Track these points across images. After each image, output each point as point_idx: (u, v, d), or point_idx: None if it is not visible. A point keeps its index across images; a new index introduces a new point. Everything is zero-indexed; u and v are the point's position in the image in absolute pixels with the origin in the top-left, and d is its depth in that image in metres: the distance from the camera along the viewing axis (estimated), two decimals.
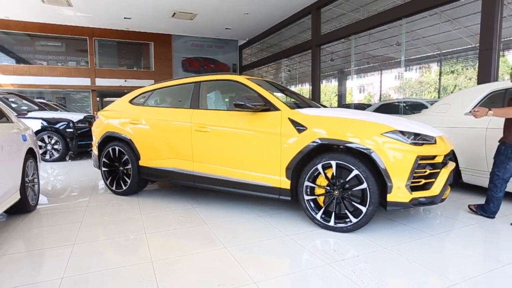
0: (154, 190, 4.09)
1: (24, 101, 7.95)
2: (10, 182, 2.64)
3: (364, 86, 25.46)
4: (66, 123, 6.64)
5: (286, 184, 2.73)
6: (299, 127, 2.65)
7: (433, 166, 2.51)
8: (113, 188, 3.79)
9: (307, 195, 2.65)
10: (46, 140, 6.60)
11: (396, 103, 8.23)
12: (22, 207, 3.02)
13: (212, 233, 2.58)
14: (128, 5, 10.86)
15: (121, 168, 3.74)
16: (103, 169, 3.82)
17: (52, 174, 5.37)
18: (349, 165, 2.45)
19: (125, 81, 15.80)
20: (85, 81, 15.49)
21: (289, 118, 2.72)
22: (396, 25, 13.62)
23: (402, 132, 2.42)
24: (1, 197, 2.46)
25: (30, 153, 3.29)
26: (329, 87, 25.74)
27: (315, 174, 2.61)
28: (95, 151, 4.00)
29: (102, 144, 3.88)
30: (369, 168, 2.41)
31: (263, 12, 11.63)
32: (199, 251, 2.24)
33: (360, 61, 18.97)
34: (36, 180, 3.43)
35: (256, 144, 2.85)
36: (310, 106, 3.30)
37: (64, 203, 3.55)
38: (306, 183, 2.63)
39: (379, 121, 2.54)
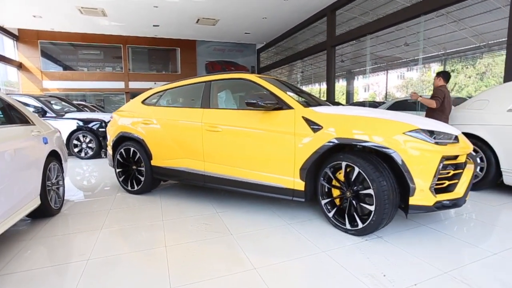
0: (176, 188, 3.62)
1: (64, 103, 7.77)
2: (26, 188, 2.22)
3: (370, 85, 24.30)
4: (99, 122, 6.32)
5: (300, 185, 2.37)
6: (314, 126, 2.29)
7: (456, 166, 2.14)
8: (127, 187, 3.46)
9: (325, 197, 2.32)
10: (81, 139, 6.31)
11: (411, 100, 7.41)
12: (44, 211, 2.62)
13: (238, 247, 2.07)
14: (156, 14, 10.46)
15: (134, 167, 3.38)
16: (117, 168, 3.49)
17: (83, 170, 5.02)
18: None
19: (155, 83, 15.55)
20: (120, 84, 15.39)
21: (303, 117, 2.36)
22: (403, 27, 12.73)
23: (426, 131, 2.04)
24: (15, 205, 2.03)
25: (54, 156, 2.87)
26: (337, 87, 24.73)
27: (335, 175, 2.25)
28: (109, 150, 3.64)
29: (116, 144, 3.52)
30: (390, 169, 2.06)
31: (280, 16, 10.94)
32: (224, 274, 1.73)
33: (368, 62, 18.13)
34: (61, 182, 3.01)
35: (269, 144, 2.48)
36: (320, 105, 2.77)
37: (89, 204, 3.14)
38: (325, 184, 2.31)
39: (399, 119, 2.14)
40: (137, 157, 3.33)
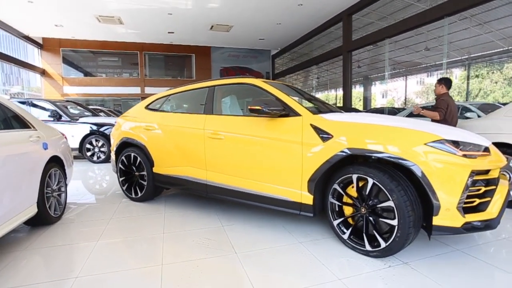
0: (182, 196, 3.46)
1: (79, 108, 7.88)
2: (20, 196, 2.10)
3: (388, 91, 23.62)
4: (111, 127, 6.30)
5: (308, 199, 2.17)
6: (324, 135, 2.10)
7: (488, 182, 1.89)
8: (130, 194, 3.36)
9: (336, 217, 2.07)
10: (94, 143, 6.32)
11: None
12: (43, 219, 2.51)
13: (241, 268, 1.85)
14: (171, 21, 10.56)
15: (136, 174, 3.27)
16: (120, 175, 3.39)
17: (95, 174, 4.96)
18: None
19: (170, 89, 15.69)
20: (136, 90, 15.65)
21: (311, 125, 2.18)
22: (424, 31, 12.26)
23: (450, 141, 1.81)
24: (6, 214, 1.91)
25: (56, 162, 2.77)
26: (353, 93, 24.20)
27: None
28: (113, 156, 3.55)
29: (119, 149, 3.43)
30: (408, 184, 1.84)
31: (294, 21, 10.79)
32: None
33: (386, 67, 17.64)
34: (63, 189, 2.91)
35: (274, 154, 2.30)
36: (331, 111, 2.62)
37: (92, 211, 3.02)
38: (335, 202, 2.10)
39: (420, 128, 1.91)
40: (138, 163, 3.23)
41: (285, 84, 3.03)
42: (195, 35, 12.72)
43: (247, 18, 10.43)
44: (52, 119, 6.61)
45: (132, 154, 3.27)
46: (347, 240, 2.07)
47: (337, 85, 18.77)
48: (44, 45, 14.31)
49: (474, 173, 1.75)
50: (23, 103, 7.00)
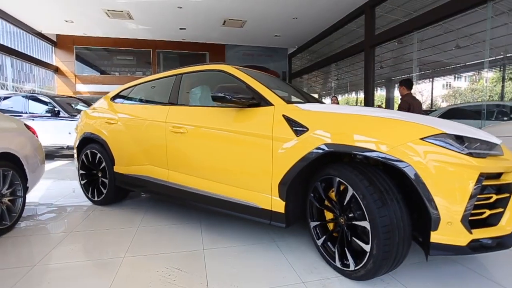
0: (169, 205, 2.95)
1: (82, 104, 7.69)
2: None
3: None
4: None
5: (278, 205, 1.87)
6: (298, 128, 1.80)
7: (500, 189, 1.52)
8: (91, 197, 3.10)
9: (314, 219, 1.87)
10: None
11: (474, 106, 6.12)
12: None
13: None
14: (181, 15, 10.24)
15: (99, 174, 2.99)
16: (81, 173, 3.13)
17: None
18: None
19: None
20: None
21: (284, 116, 1.87)
22: (454, 29, 11.29)
23: (453, 137, 1.48)
24: None
25: (8, 160, 2.32)
26: (375, 96, 23.11)
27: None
28: (75, 153, 3.27)
29: (81, 146, 3.14)
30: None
31: (312, 15, 10.15)
32: None
33: (410, 68, 16.66)
34: (19, 193, 2.47)
35: (241, 151, 2.02)
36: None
37: (53, 221, 2.57)
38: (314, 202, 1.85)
39: (415, 120, 1.58)
40: (100, 161, 2.95)
41: (270, 75, 2.70)
42: (208, 31, 12.36)
43: (261, 12, 9.92)
44: (49, 114, 6.38)
45: (94, 152, 2.96)
46: (320, 247, 1.83)
47: (357, 87, 17.90)
48: (58, 42, 14.48)
49: (483, 176, 1.40)
50: (24, 97, 6.88)
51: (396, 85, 20.20)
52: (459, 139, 1.47)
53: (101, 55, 15.74)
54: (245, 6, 9.38)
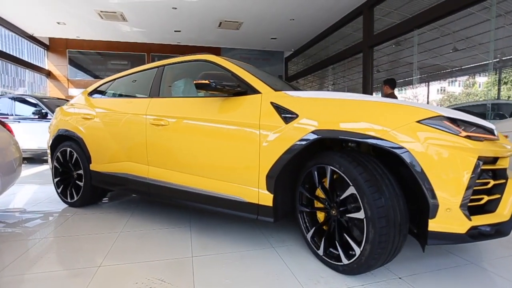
0: (159, 208, 2.69)
1: None
2: None
3: (408, 99, 22.30)
4: None
5: (266, 199, 1.78)
6: (287, 115, 1.72)
7: (496, 174, 1.51)
8: (65, 198, 2.94)
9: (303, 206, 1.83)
10: None
11: (480, 105, 5.95)
12: None
13: None
14: (176, 17, 10.10)
15: (73, 174, 2.85)
16: (54, 175, 2.98)
17: None
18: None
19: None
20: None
21: (272, 103, 1.80)
22: (450, 32, 11.27)
23: (450, 120, 1.43)
24: None
25: None
26: None
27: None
28: (48, 152, 3.10)
29: (55, 144, 2.98)
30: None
31: (309, 16, 10.05)
32: None
33: (407, 72, 16.63)
34: None
35: (226, 142, 1.93)
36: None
37: (30, 225, 2.32)
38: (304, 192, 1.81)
39: (409, 104, 1.52)
40: (75, 160, 2.80)
41: (255, 68, 2.56)
42: (203, 33, 12.23)
43: (257, 13, 9.80)
44: (36, 116, 6.15)
45: (68, 150, 2.80)
46: (309, 239, 1.77)
47: (354, 92, 17.85)
48: (51, 46, 14.28)
49: (481, 160, 1.37)
50: (11, 99, 6.67)
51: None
52: (456, 122, 1.44)
53: (94, 59, 15.54)
54: (241, 6, 9.26)
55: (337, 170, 1.53)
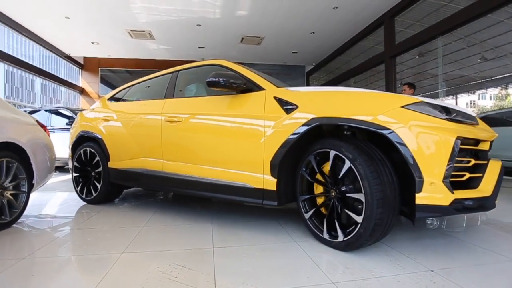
0: (179, 207, 2.72)
1: None
2: None
3: None
4: None
5: (270, 184, 1.94)
6: (288, 106, 1.92)
7: (477, 155, 1.75)
8: (82, 195, 3.08)
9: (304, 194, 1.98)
10: None
11: (508, 112, 5.62)
12: None
13: None
14: (200, 33, 10.56)
15: (92, 173, 3.01)
16: (74, 173, 3.15)
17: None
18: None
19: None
20: None
21: (275, 97, 2.01)
22: (477, 42, 10.88)
23: (432, 105, 1.63)
24: None
25: (10, 150, 2.23)
26: None
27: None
28: (69, 153, 3.32)
29: (75, 145, 3.19)
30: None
31: (329, 29, 10.14)
32: None
33: (433, 85, 16.07)
34: (23, 188, 2.36)
35: (234, 133, 2.12)
36: None
37: (49, 223, 2.41)
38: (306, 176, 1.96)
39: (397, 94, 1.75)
40: (95, 159, 2.98)
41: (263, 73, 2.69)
42: (226, 49, 12.63)
43: (278, 28, 10.04)
44: (69, 127, 6.58)
45: (89, 149, 2.99)
46: (308, 220, 1.91)
47: None
48: (85, 65, 15.35)
49: (459, 139, 1.53)
50: (47, 111, 7.20)
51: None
52: (438, 107, 1.62)
53: (123, 77, 16.46)
54: (262, 21, 9.53)
55: (340, 154, 1.68)
